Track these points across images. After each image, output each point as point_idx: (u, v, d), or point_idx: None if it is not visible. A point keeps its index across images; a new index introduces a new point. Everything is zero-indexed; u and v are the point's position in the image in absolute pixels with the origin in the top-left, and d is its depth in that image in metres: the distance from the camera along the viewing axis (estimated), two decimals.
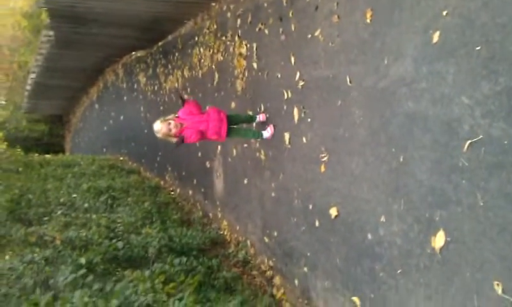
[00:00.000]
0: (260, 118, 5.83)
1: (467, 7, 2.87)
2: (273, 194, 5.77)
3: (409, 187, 3.41)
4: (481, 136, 2.78)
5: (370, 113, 3.86)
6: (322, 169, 4.60)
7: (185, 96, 5.46)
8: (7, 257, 6.62)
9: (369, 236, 3.88)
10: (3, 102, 32.33)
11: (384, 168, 3.68)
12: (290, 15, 5.18)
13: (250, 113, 6.09)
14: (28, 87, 22.48)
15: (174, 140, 5.28)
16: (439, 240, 3.13)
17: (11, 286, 5.33)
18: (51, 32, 11.50)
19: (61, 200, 9.53)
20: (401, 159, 3.47)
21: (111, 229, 7.30)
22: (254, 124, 5.96)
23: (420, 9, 3.27)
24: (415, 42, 3.32)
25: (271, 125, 5.64)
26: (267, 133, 5.66)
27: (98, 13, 8.64)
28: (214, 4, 7.79)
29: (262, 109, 5.92)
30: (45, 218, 8.32)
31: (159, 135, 5.29)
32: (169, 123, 5.21)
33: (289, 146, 5.30)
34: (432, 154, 3.17)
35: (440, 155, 3.11)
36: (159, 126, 5.24)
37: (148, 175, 13.07)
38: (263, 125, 5.82)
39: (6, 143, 16.08)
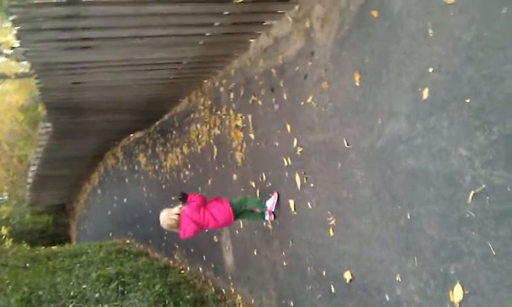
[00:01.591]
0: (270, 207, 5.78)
1: (452, 63, 2.96)
2: (285, 263, 5.70)
3: (420, 243, 3.39)
4: (484, 186, 2.80)
5: (371, 173, 3.88)
6: (331, 232, 4.57)
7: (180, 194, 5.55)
8: None
9: (387, 297, 3.82)
10: (6, 198, 32.38)
11: (392, 226, 3.67)
12: (281, 84, 5.31)
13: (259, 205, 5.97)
14: (29, 180, 22.60)
15: (177, 229, 5.39)
16: (457, 293, 3.09)
17: None
18: (49, 124, 11.68)
19: (72, 293, 9.41)
20: (408, 216, 3.47)
21: None
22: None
23: (406, 68, 3.36)
24: (406, 100, 3.39)
25: (275, 193, 5.65)
26: (269, 202, 5.67)
27: (94, 102, 8.81)
28: (206, 81, 7.98)
29: (264, 178, 5.95)
30: None
31: (164, 226, 5.40)
32: (171, 214, 5.35)
33: (295, 212, 5.29)
34: (438, 208, 3.17)
35: (445, 209, 3.11)
36: (162, 218, 5.38)
37: (156, 256, 12.94)
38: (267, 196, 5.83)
39: (11, 239, 15.97)
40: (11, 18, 4.43)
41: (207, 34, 5.49)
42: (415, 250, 3.44)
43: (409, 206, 3.45)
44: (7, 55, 20.94)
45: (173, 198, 9.95)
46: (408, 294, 3.58)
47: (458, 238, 3.03)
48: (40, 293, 9.61)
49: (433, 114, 3.14)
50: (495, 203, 2.74)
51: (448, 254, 3.14)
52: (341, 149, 4.26)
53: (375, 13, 3.65)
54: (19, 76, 22.61)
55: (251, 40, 6.03)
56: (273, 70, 5.49)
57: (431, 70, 3.12)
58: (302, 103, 4.89)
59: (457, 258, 3.07)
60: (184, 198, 5.43)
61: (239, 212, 5.65)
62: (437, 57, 3.08)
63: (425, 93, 3.18)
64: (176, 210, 5.35)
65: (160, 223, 5.38)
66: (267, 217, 5.78)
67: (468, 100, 2.85)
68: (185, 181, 9.65)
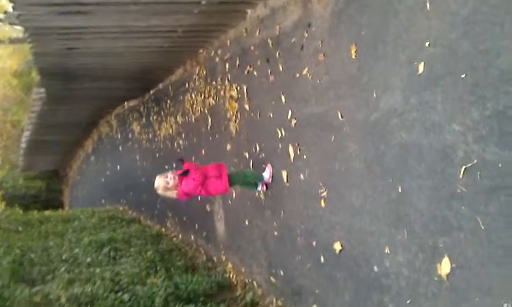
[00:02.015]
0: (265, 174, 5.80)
1: (448, 38, 2.95)
2: (276, 233, 5.76)
3: (410, 216, 3.43)
4: (476, 161, 2.82)
5: (364, 146, 3.90)
6: (323, 204, 4.61)
7: (182, 158, 5.52)
8: None
9: (375, 268, 3.88)
10: None
11: (383, 199, 3.71)
12: (277, 55, 5.28)
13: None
14: (23, 146, 22.54)
15: (174, 194, 5.32)
16: (445, 266, 3.14)
17: None
18: (42, 90, 11.60)
19: (64, 256, 9.47)
20: (399, 189, 3.50)
21: (115, 282, 7.25)
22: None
23: (403, 42, 3.36)
24: (401, 74, 3.39)
25: (269, 165, 5.67)
26: (266, 173, 5.68)
27: (88, 69, 8.76)
28: (201, 50, 7.92)
29: (258, 149, 5.97)
30: (49, 276, 8.25)
31: (159, 191, 5.33)
32: (166, 176, 5.25)
33: (287, 183, 5.32)
34: (429, 182, 3.21)
35: (437, 183, 3.14)
36: (157, 182, 5.28)
37: (148, 223, 13.01)
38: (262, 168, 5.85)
39: (4, 203, 15.97)
40: None
41: (203, 2, 5.43)
42: (405, 223, 3.49)
43: (401, 179, 3.48)
44: (0, 20, 20.63)
45: (166, 167, 9.98)
46: (396, 266, 3.63)
47: (448, 212, 3.07)
48: (32, 256, 9.65)
49: (428, 89, 3.14)
50: (486, 179, 2.76)
51: (437, 227, 3.18)
52: (335, 122, 4.27)
53: None
54: (13, 41, 22.29)
55: (248, 10, 5.98)
56: (269, 41, 5.46)
57: (427, 44, 3.12)
58: (297, 75, 4.87)
59: (446, 232, 3.11)
60: (181, 162, 5.46)
61: (234, 183, 5.69)
62: (434, 31, 3.07)
63: (421, 67, 3.18)
64: (170, 176, 5.30)
65: (155, 188, 5.33)
66: (259, 188, 5.81)
67: (463, 75, 2.86)
68: (178, 150, 9.65)
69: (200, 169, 5.45)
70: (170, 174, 5.28)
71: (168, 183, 5.24)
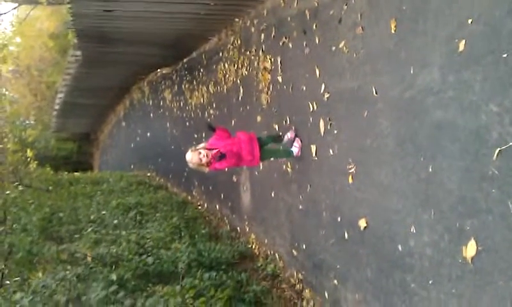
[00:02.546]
0: (289, 135, 5.79)
1: (492, 15, 2.87)
2: (301, 207, 5.77)
3: (439, 196, 3.38)
4: (511, 144, 2.76)
5: (397, 123, 3.85)
6: (350, 180, 4.59)
7: (214, 124, 5.39)
8: (40, 275, 6.75)
9: (399, 247, 3.85)
10: (32, 122, 33.00)
11: (413, 178, 3.67)
12: (314, 27, 5.22)
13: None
14: (56, 107, 22.97)
15: (206, 169, 5.16)
16: (470, 249, 3.10)
17: (45, 303, 5.43)
18: (78, 52, 11.75)
19: (91, 217, 9.70)
20: (430, 169, 3.45)
21: (140, 245, 7.39)
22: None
23: (445, 18, 3.27)
24: (441, 51, 3.32)
25: (298, 139, 5.64)
26: (295, 148, 5.64)
27: (124, 33, 8.81)
28: (237, 19, 7.88)
29: (288, 122, 5.95)
30: (76, 235, 8.48)
31: (190, 165, 5.13)
32: (200, 153, 5.04)
33: (316, 158, 5.30)
34: (461, 163, 3.15)
35: (469, 164, 3.09)
36: (189, 156, 5.08)
37: (175, 190, 13.18)
38: (291, 141, 5.80)
39: (36, 162, 16.31)
40: None
41: None
42: (433, 203, 3.44)
43: (432, 158, 3.43)
44: None
45: (195, 136, 10.06)
46: (421, 246, 3.61)
47: (478, 194, 3.02)
48: (61, 215, 9.92)
49: (468, 68, 3.07)
50: None
51: (466, 209, 3.13)
52: (369, 98, 4.21)
53: None
54: (51, 2, 22.59)
55: None
56: (307, 12, 5.39)
57: (470, 21, 3.03)
58: (334, 48, 4.81)
59: (474, 214, 3.06)
60: (212, 129, 5.28)
61: (264, 144, 5.61)
62: (477, 8, 2.98)
63: (462, 45, 3.10)
64: (201, 145, 5.18)
65: (187, 161, 5.12)
66: (295, 151, 5.64)
67: (505, 55, 2.78)
68: (209, 119, 9.69)
69: (232, 139, 5.32)
70: (203, 151, 5.05)
71: (200, 160, 5.02)
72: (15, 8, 27.11)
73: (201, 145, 5.22)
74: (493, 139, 2.88)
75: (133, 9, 7.11)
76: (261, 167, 6.99)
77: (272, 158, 6.00)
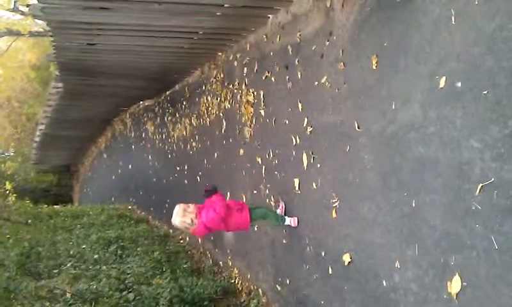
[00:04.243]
0: (278, 211, 5.67)
1: (472, 53, 2.92)
2: (284, 241, 5.73)
3: (422, 231, 3.38)
4: (493, 179, 2.78)
5: (380, 158, 3.87)
6: (334, 214, 4.58)
7: (211, 187, 5.24)
8: None
9: (384, 282, 3.83)
10: (12, 154, 32.59)
11: (396, 213, 3.67)
12: (296, 62, 5.27)
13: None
14: (36, 139, 22.71)
15: (192, 229, 4.98)
16: (455, 285, 3.09)
17: None
18: (60, 84, 11.68)
19: (71, 252, 9.52)
20: (413, 204, 3.46)
21: (121, 280, 7.26)
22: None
23: (425, 55, 3.33)
24: (422, 87, 3.36)
25: (281, 203, 5.70)
26: (278, 210, 5.64)
27: (107, 66, 8.81)
28: (220, 53, 7.94)
29: (272, 155, 5.96)
30: (55, 271, 8.31)
31: (175, 223, 5.00)
32: (185, 217, 4.91)
33: (299, 191, 5.29)
34: (444, 198, 3.16)
35: (452, 199, 3.10)
36: (175, 221, 4.95)
37: (157, 224, 13.03)
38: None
39: (14, 195, 16.04)
40: None
41: (226, 5, 5.44)
42: (417, 238, 3.44)
43: (416, 194, 3.44)
44: (22, 13, 20.86)
45: (177, 168, 9.99)
46: (405, 281, 3.59)
47: (462, 229, 3.03)
48: (40, 249, 9.72)
49: (448, 104, 3.10)
50: (503, 198, 2.72)
51: (449, 244, 3.13)
52: (351, 132, 4.24)
53: None
54: (33, 34, 22.56)
55: (270, 15, 5.98)
56: (289, 47, 5.45)
57: (450, 58, 3.08)
58: (316, 83, 4.86)
59: (458, 250, 3.06)
60: (212, 193, 5.09)
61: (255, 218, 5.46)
62: (457, 46, 3.04)
63: (442, 82, 3.15)
64: (191, 208, 4.99)
65: (172, 219, 4.97)
66: (287, 222, 5.48)
67: (485, 92, 2.82)
68: (191, 152, 9.67)
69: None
70: (192, 217, 4.91)
71: (183, 224, 4.91)
72: None
73: (191, 208, 5.01)
74: (475, 174, 2.90)
75: (116, 43, 7.12)
76: (244, 200, 6.95)
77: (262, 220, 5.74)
